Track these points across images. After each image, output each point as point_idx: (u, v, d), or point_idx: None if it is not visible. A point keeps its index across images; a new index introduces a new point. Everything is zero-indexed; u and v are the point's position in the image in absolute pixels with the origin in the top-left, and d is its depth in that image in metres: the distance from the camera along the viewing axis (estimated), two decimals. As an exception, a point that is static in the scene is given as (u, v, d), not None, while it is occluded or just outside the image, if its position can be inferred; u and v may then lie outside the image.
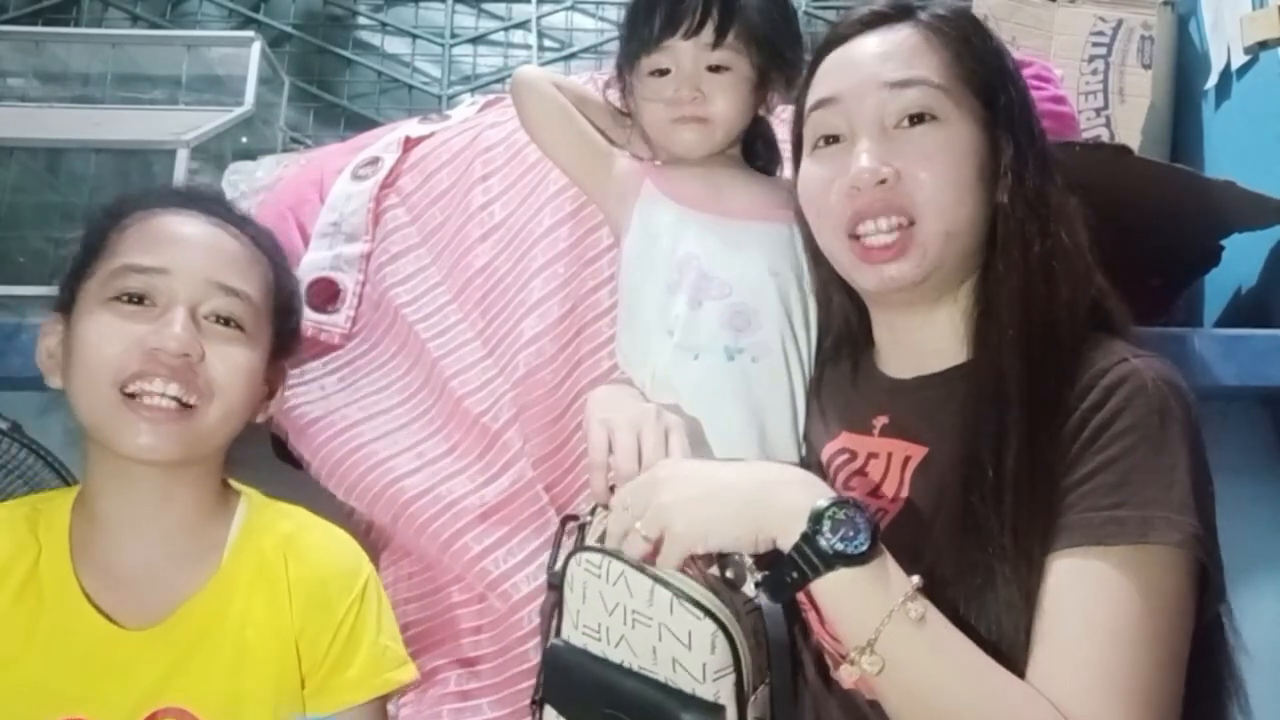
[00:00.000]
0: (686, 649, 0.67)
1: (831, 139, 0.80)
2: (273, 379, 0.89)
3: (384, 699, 0.87)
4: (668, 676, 0.68)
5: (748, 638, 0.69)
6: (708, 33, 0.93)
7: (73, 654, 0.76)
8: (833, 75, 0.81)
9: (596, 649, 0.73)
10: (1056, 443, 0.69)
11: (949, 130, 0.76)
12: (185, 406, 0.78)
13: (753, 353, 0.90)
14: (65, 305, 0.82)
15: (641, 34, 0.95)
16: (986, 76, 0.78)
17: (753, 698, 0.69)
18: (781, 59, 0.97)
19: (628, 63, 0.98)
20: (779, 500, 0.69)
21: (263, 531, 0.85)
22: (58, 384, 0.81)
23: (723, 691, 0.67)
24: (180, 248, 0.81)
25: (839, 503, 0.66)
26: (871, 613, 0.65)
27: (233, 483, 0.89)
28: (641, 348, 0.95)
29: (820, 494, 0.68)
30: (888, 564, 0.67)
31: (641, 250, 0.98)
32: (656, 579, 0.69)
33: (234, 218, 0.88)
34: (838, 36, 0.83)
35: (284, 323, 0.89)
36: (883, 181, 0.76)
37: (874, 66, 0.78)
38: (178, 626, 0.79)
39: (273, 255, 0.89)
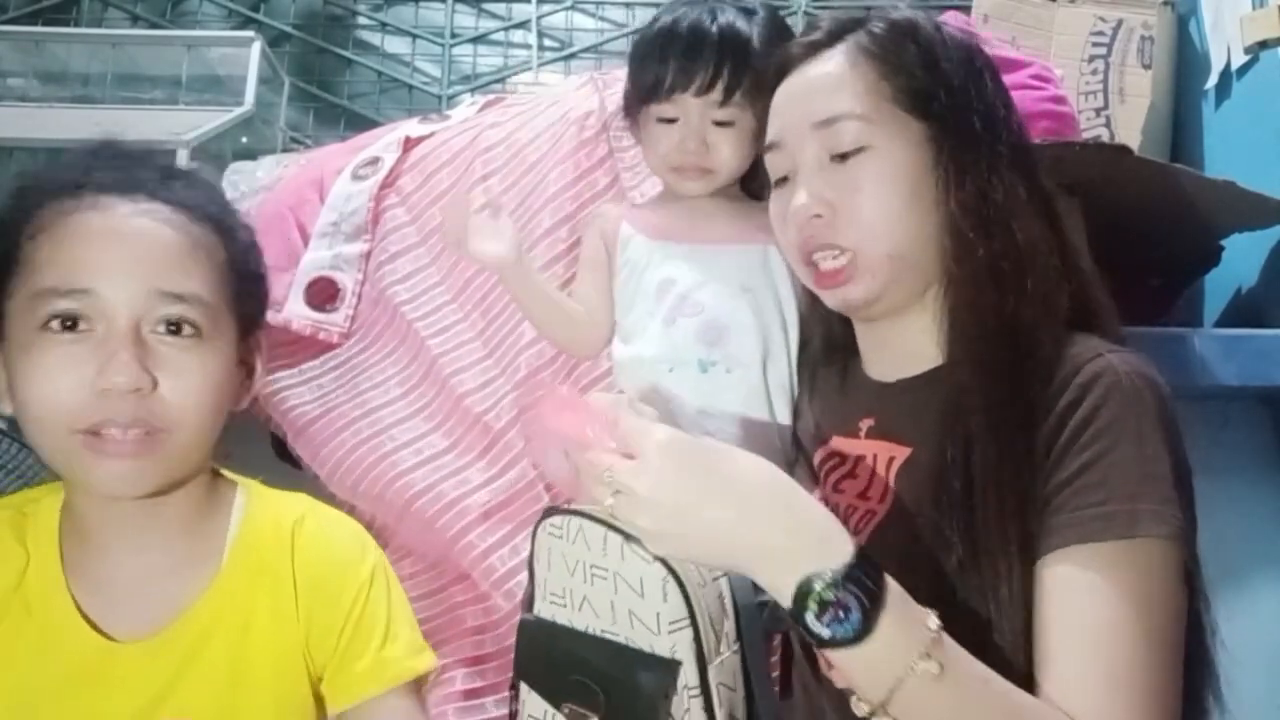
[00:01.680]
0: (639, 597, 0.66)
1: (781, 180, 0.83)
2: (249, 357, 0.80)
3: (413, 688, 0.81)
4: (627, 635, 0.68)
5: (712, 604, 0.67)
6: (717, 92, 0.95)
7: (63, 670, 0.71)
8: (777, 117, 0.84)
9: (563, 617, 0.72)
10: (1029, 443, 0.69)
11: (880, 157, 0.77)
12: (149, 437, 0.70)
13: (726, 364, 0.94)
14: None
15: (651, 82, 0.97)
16: (916, 89, 0.78)
17: (718, 660, 0.67)
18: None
19: (636, 103, 1.01)
20: (764, 565, 0.62)
21: (264, 526, 0.79)
22: (9, 410, 0.72)
23: (679, 646, 0.66)
24: (105, 258, 0.69)
25: (830, 583, 0.59)
26: (880, 678, 0.59)
27: (228, 474, 0.84)
28: (632, 363, 0.98)
29: (809, 563, 0.60)
30: (894, 628, 0.59)
31: (626, 284, 1.01)
32: (609, 526, 0.68)
33: (162, 190, 0.73)
34: (780, 69, 0.85)
35: (248, 298, 0.78)
36: (818, 216, 0.78)
37: (803, 107, 0.81)
38: (175, 637, 0.74)
39: (217, 219, 0.76)
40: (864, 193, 0.77)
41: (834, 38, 0.81)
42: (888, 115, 0.78)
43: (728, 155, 0.98)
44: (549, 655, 0.73)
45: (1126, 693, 0.63)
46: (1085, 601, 0.65)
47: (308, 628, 0.78)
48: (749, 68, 0.94)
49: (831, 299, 0.82)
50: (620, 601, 0.68)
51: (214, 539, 0.78)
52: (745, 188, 1.05)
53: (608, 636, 0.69)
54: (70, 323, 0.68)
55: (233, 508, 0.80)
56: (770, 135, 0.84)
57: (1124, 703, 0.63)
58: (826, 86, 0.80)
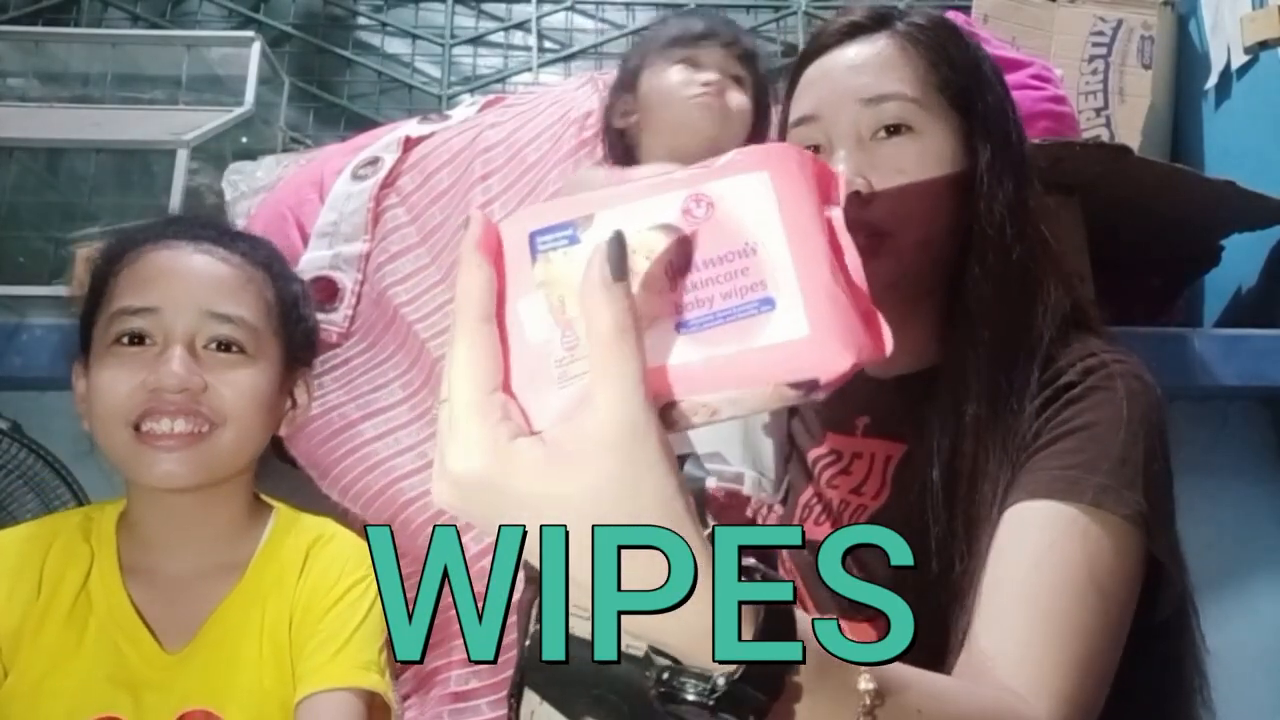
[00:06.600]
0: None
1: (812, 149, 0.81)
2: (294, 390, 0.90)
3: (358, 702, 0.81)
4: None
5: None
6: (739, 47, 1.12)
7: (116, 664, 0.80)
8: (811, 91, 0.82)
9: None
10: (1021, 443, 0.70)
11: (924, 141, 0.77)
12: (197, 434, 0.80)
13: None
14: (85, 351, 0.85)
15: (682, 38, 1.12)
16: (962, 84, 0.79)
17: None
18: (769, 108, 1.15)
19: (659, 60, 1.12)
20: None
21: (285, 543, 0.87)
22: (88, 425, 0.83)
23: None
24: (169, 283, 0.83)
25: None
26: None
27: (264, 498, 0.91)
28: None
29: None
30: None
31: None
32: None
33: (224, 240, 0.88)
34: (817, 47, 0.84)
35: (293, 332, 0.89)
36: (857, 193, 0.77)
37: (850, 81, 0.79)
38: (205, 640, 0.82)
39: (270, 268, 0.89)
40: (906, 174, 0.76)
41: (877, 24, 0.81)
42: (934, 103, 0.78)
43: (737, 105, 1.10)
44: (564, 668, 0.73)
45: (1059, 651, 0.62)
46: (1037, 557, 0.65)
47: (292, 614, 0.84)
48: (756, 57, 1.13)
49: None
50: None
51: (244, 553, 0.86)
52: None
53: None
54: (137, 339, 0.81)
55: (265, 528, 0.88)
56: (803, 109, 0.82)
57: (1054, 659, 0.62)
58: (876, 65, 0.79)
